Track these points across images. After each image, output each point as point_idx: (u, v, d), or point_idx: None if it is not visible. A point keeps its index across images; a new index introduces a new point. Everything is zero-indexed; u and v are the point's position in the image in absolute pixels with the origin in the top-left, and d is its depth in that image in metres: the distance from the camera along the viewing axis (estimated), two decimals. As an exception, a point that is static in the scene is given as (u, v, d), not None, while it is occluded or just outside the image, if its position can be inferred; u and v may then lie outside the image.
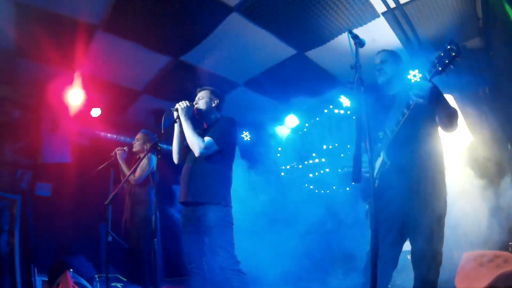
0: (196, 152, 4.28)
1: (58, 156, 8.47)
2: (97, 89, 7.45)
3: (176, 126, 4.54)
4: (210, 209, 4.24)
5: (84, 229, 8.22)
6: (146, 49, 6.45)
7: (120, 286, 6.51)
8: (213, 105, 4.68)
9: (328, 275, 7.13)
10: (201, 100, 4.65)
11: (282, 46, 6.42)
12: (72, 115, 7.71)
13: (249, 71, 7.27)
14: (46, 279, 6.63)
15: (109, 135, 8.55)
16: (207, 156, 4.31)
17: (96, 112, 8.00)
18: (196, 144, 4.28)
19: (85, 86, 7.34)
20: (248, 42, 6.28)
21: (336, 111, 8.06)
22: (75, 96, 7.39)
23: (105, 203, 3.94)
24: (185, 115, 4.38)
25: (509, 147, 5.12)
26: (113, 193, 3.94)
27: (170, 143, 4.72)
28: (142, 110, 8.52)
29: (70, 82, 7.24)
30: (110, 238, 5.86)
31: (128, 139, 8.14)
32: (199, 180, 4.33)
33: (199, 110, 4.58)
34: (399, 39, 6.07)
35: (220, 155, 4.39)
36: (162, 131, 4.30)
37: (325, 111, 8.22)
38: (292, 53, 6.63)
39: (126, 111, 8.57)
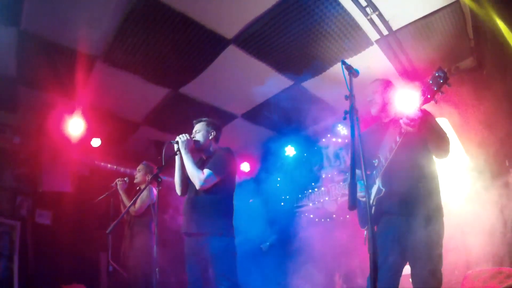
0: (197, 185, 4.41)
1: (58, 184, 8.55)
2: (97, 119, 7.54)
3: (177, 158, 4.67)
4: (213, 240, 4.35)
5: (84, 257, 8.24)
6: (145, 80, 6.59)
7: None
8: (210, 137, 4.82)
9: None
10: (198, 133, 4.79)
11: (279, 77, 6.56)
12: (73, 144, 7.79)
13: (246, 102, 7.40)
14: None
15: (109, 165, 8.60)
16: (208, 187, 4.41)
17: (96, 142, 8.12)
18: (196, 176, 4.41)
19: (85, 116, 7.44)
20: (245, 73, 6.43)
21: (334, 139, 8.14)
22: (75, 125, 7.49)
23: (107, 232, 4.00)
24: (185, 148, 4.50)
25: (506, 163, 5.17)
26: (115, 223, 4.02)
27: (170, 175, 4.82)
28: (142, 141, 8.63)
29: (70, 111, 7.36)
30: (110, 268, 5.92)
31: (128, 170, 8.19)
32: (201, 211, 4.46)
33: (197, 142, 4.71)
34: (393, 65, 6.21)
35: (220, 186, 4.51)
36: (163, 163, 4.38)
37: (323, 140, 8.30)
38: (289, 84, 6.77)
39: (125, 141, 8.69)
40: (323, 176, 8.28)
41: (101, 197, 6.61)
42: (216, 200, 4.49)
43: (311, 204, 8.40)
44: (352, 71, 3.33)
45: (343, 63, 3.34)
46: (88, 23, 5.47)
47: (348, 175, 4.52)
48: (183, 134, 4.58)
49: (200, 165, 4.56)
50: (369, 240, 3.63)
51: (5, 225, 9.39)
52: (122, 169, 8.48)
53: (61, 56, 6.03)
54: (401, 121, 3.54)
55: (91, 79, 6.58)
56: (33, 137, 8.43)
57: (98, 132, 7.97)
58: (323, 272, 7.41)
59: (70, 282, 7.44)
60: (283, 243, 8.20)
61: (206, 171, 4.41)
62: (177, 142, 4.54)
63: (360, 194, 3.95)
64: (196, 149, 4.73)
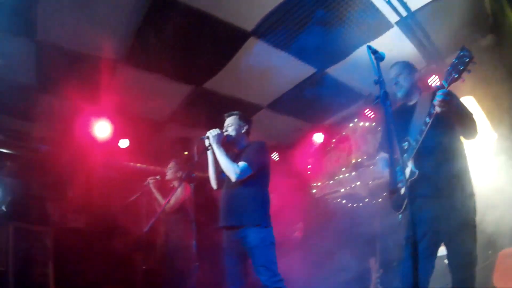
0: (232, 178, 4.47)
1: (88, 188, 8.67)
2: (123, 121, 7.67)
3: (209, 153, 4.74)
4: (251, 231, 4.42)
5: (118, 258, 8.38)
6: (168, 79, 6.68)
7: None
8: (243, 130, 4.89)
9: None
10: (230, 126, 4.85)
11: (302, 65, 6.59)
12: (100, 147, 7.91)
13: (271, 93, 7.44)
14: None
15: (138, 165, 8.71)
16: (243, 180, 4.47)
17: (124, 143, 8.24)
18: (231, 170, 4.47)
19: (111, 119, 7.59)
20: (268, 64, 6.43)
21: (361, 124, 8.14)
22: (102, 128, 7.64)
23: (144, 230, 4.10)
24: (216, 143, 4.56)
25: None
26: (152, 221, 4.13)
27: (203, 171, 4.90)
28: (169, 138, 8.71)
29: (95, 115, 7.51)
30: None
31: (157, 168, 8.27)
32: (238, 204, 4.53)
33: (229, 136, 4.78)
34: (415, 46, 6.19)
35: (256, 178, 4.57)
36: (196, 160, 4.45)
37: (351, 125, 8.30)
38: (312, 71, 6.79)
39: (153, 140, 8.75)
40: (353, 161, 8.29)
41: (134, 197, 6.74)
42: (253, 192, 4.55)
43: (342, 190, 8.42)
44: (378, 55, 3.33)
45: (369, 47, 3.35)
46: (106, 28, 5.58)
47: (377, 159, 4.52)
48: (214, 129, 4.64)
49: (234, 158, 4.60)
50: (408, 223, 3.72)
51: (38, 232, 9.62)
52: (151, 168, 8.59)
53: (81, 63, 6.15)
54: (434, 101, 3.54)
55: (114, 82, 6.69)
56: (59, 144, 8.57)
57: (125, 133, 8.10)
58: (358, 258, 7.43)
59: (106, 283, 7.57)
60: (316, 231, 8.23)
61: (241, 163, 4.48)
62: (208, 138, 4.60)
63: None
64: (228, 143, 4.79)
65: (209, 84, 6.91)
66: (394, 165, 3.16)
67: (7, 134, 8.91)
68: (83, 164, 8.45)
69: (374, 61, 3.33)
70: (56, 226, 9.26)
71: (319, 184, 8.92)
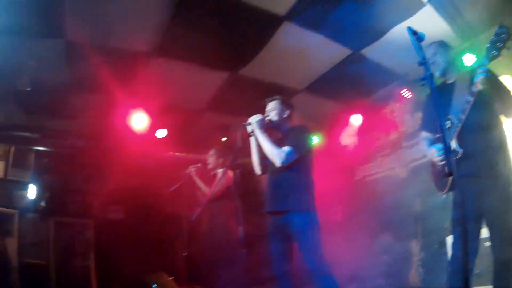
0: (277, 163, 4.46)
1: (128, 179, 8.81)
2: (159, 111, 7.75)
3: (252, 139, 4.74)
4: (297, 216, 4.42)
5: (160, 246, 8.56)
6: (203, 67, 6.75)
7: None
8: (285, 115, 4.85)
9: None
10: (272, 111, 4.81)
11: (337, 47, 6.56)
12: (138, 138, 8.01)
13: (308, 76, 7.44)
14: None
15: (177, 153, 8.78)
16: (288, 165, 4.46)
17: (162, 133, 8.33)
18: (276, 155, 4.46)
19: (148, 109, 7.69)
20: (303, 47, 6.42)
21: (398, 104, 8.08)
22: (138, 120, 7.74)
23: (192, 218, 4.18)
24: (259, 128, 4.57)
25: None
26: (200, 209, 4.19)
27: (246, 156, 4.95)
28: (207, 126, 8.77)
29: (132, 107, 7.63)
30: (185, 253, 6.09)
31: (197, 156, 8.32)
32: (283, 189, 4.53)
33: (271, 121, 4.76)
34: (449, 24, 6.10)
35: (300, 163, 4.55)
36: (240, 146, 4.48)
37: (388, 106, 8.25)
38: (347, 53, 6.76)
39: (191, 129, 8.87)
40: (391, 143, 8.24)
41: (176, 186, 6.79)
42: (297, 176, 4.54)
43: (381, 171, 8.38)
44: (418, 36, 3.31)
45: (409, 28, 3.31)
46: (137, 21, 5.67)
47: (420, 139, 4.49)
48: (256, 115, 4.63)
49: (277, 143, 4.57)
50: (453, 204, 3.71)
51: (78, 225, 9.87)
52: (191, 156, 8.67)
53: (114, 57, 6.27)
54: (476, 79, 3.51)
55: (149, 74, 6.79)
56: (97, 139, 8.74)
57: (162, 123, 8.20)
58: (399, 240, 7.41)
59: (149, 271, 7.70)
60: (356, 213, 8.22)
61: (286, 148, 4.45)
62: (250, 124, 4.60)
63: (437, 158, 3.98)
64: (270, 128, 4.78)
65: (245, 71, 6.95)
66: (448, 147, 3.16)
67: (43, 133, 9.15)
68: (121, 156, 8.59)
69: (415, 42, 3.29)
70: (96, 218, 9.50)
71: (358, 166, 8.89)
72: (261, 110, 4.88)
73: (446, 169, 3.41)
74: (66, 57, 6.29)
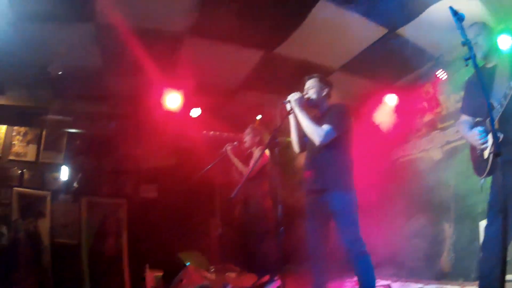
0: (316, 141, 4.44)
1: (161, 158, 8.88)
2: (194, 90, 7.79)
3: (291, 117, 4.72)
4: (335, 195, 4.42)
5: (193, 225, 8.66)
6: (238, 46, 6.76)
7: (234, 276, 6.74)
8: (324, 93, 4.83)
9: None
10: (311, 89, 4.79)
11: (372, 26, 6.49)
12: (172, 117, 8.06)
13: (343, 55, 7.37)
14: (161, 276, 6.94)
15: (211, 132, 8.80)
16: (327, 143, 4.44)
17: (196, 112, 8.35)
18: (315, 133, 4.45)
19: (182, 90, 7.79)
20: (339, 26, 6.38)
21: (433, 85, 7.99)
22: (173, 100, 7.83)
23: (231, 196, 4.19)
24: (298, 107, 4.54)
25: None
26: (238, 187, 4.20)
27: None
28: (242, 105, 8.80)
29: (166, 87, 7.72)
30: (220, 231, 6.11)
31: (232, 135, 8.37)
32: (322, 168, 4.53)
33: (310, 100, 4.75)
34: (484, 4, 5.93)
35: (340, 141, 4.53)
36: (279, 125, 4.49)
37: (422, 86, 8.16)
38: (383, 32, 6.68)
39: (226, 108, 8.90)
40: (426, 124, 8.17)
41: (211, 164, 6.81)
42: (336, 155, 4.54)
43: (416, 153, 8.32)
44: (459, 16, 3.26)
45: (451, 8, 3.26)
46: (171, 2, 5.71)
47: (459, 122, 4.43)
48: (295, 93, 4.61)
49: (316, 122, 4.55)
50: (491, 188, 3.66)
51: (111, 205, 10.02)
52: (225, 135, 8.71)
53: (147, 39, 6.27)
54: None
55: (183, 54, 6.86)
56: (130, 119, 8.81)
57: (197, 103, 8.26)
58: (432, 224, 7.37)
59: (182, 250, 7.76)
60: (391, 194, 8.17)
61: (325, 126, 4.44)
62: (289, 102, 4.58)
63: (478, 141, 3.93)
64: (309, 106, 4.75)
65: (280, 49, 6.92)
66: (494, 129, 3.11)
67: (75, 115, 9.28)
68: (155, 136, 8.65)
69: (457, 23, 3.24)
70: (129, 198, 9.61)
71: (393, 147, 8.83)
72: (296, 88, 4.86)
73: (494, 150, 3.37)
74: (97, 40, 6.39)
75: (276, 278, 5.90)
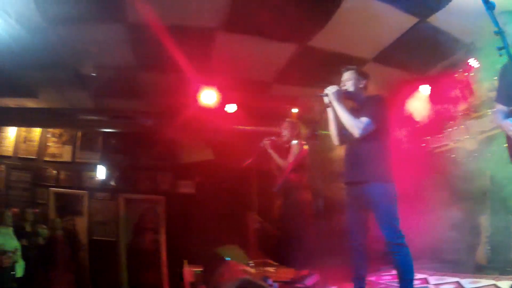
0: (355, 133, 4.47)
1: (198, 154, 8.97)
2: (228, 86, 7.85)
3: (329, 110, 4.74)
4: (375, 187, 4.44)
5: (231, 219, 8.72)
6: (271, 40, 6.78)
7: (273, 270, 6.77)
8: (361, 85, 4.85)
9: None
10: (349, 81, 4.82)
11: (404, 15, 6.46)
12: (208, 114, 8.10)
13: (375, 46, 7.34)
14: (200, 271, 7.02)
15: (247, 127, 8.83)
16: (365, 135, 4.46)
17: (231, 108, 8.41)
18: (354, 125, 4.47)
19: (217, 85, 7.82)
20: (370, 17, 6.36)
21: (466, 74, 7.90)
22: (208, 96, 7.88)
23: (274, 190, 4.24)
24: (336, 99, 4.56)
25: None
26: (281, 181, 4.24)
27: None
28: (277, 99, 8.80)
29: (200, 84, 7.78)
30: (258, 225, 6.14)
31: (267, 129, 8.31)
32: (361, 159, 4.56)
33: (348, 92, 4.76)
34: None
35: (378, 133, 4.53)
36: (318, 118, 4.53)
37: (456, 75, 8.08)
38: (414, 21, 6.65)
39: (261, 102, 8.90)
40: (460, 113, 8.09)
41: (250, 160, 6.82)
42: (375, 147, 4.55)
43: (450, 143, 8.24)
44: (490, 5, 3.24)
45: (483, -4, 3.26)
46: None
47: (494, 111, 4.40)
48: (332, 86, 4.63)
49: (354, 114, 4.56)
50: None
51: (149, 201, 10.21)
52: (262, 129, 8.73)
53: (180, 36, 6.36)
54: None
55: (216, 50, 6.91)
56: (166, 116, 8.92)
57: (231, 98, 8.31)
58: (467, 216, 7.30)
59: (220, 245, 7.81)
60: (427, 185, 8.11)
61: (364, 119, 4.46)
62: (327, 95, 4.60)
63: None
64: (347, 98, 4.76)
65: (314, 42, 6.92)
66: None
67: (110, 115, 9.46)
68: (192, 132, 8.74)
69: (490, 11, 3.24)
70: (167, 194, 9.76)
71: (427, 137, 8.77)
72: (330, 80, 4.87)
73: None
74: (129, 39, 6.51)
75: (314, 272, 5.92)
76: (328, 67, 5.14)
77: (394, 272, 4.53)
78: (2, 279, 6.81)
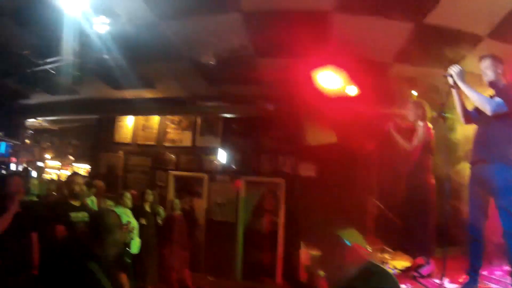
0: (488, 111, 4.38)
1: (321, 137, 9.02)
2: (347, 67, 7.74)
3: (454, 91, 4.69)
4: (500, 169, 4.31)
5: (351, 204, 8.62)
6: (387, 19, 6.60)
7: (388, 257, 6.69)
8: (499, 71, 4.68)
9: None
10: (488, 70, 4.68)
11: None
12: (329, 97, 8.06)
13: (490, 20, 6.65)
14: (317, 255, 7.06)
15: (369, 110, 8.72)
16: (496, 116, 4.35)
17: (352, 90, 8.27)
18: (486, 103, 4.40)
19: (336, 66, 7.70)
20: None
21: None
22: (327, 78, 7.81)
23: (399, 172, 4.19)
24: (461, 80, 4.50)
25: None
26: (406, 165, 4.19)
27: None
28: (396, 79, 8.53)
29: (319, 66, 7.69)
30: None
31: (389, 111, 8.26)
32: (489, 140, 4.48)
33: (490, 82, 4.66)
34: None
35: (510, 117, 4.38)
36: (444, 99, 4.51)
37: None
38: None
39: (381, 84, 8.70)
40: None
41: (377, 143, 6.76)
42: (505, 129, 4.40)
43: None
44: None
45: None
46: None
47: None
48: (455, 66, 4.57)
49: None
50: None
51: (270, 184, 10.44)
52: (383, 111, 8.62)
53: (295, 20, 6.41)
54: None
55: (333, 32, 6.86)
56: (287, 100, 9.03)
57: (351, 80, 8.13)
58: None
59: (338, 229, 7.81)
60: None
61: (498, 99, 4.36)
62: (451, 75, 4.55)
63: None
64: (490, 87, 4.66)
65: (429, 19, 6.59)
66: None
67: (231, 100, 9.74)
68: (314, 114, 8.78)
69: None
70: (287, 177, 9.93)
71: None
72: (448, 59, 4.76)
73: None
74: (243, 28, 6.63)
75: (429, 261, 5.79)
76: (444, 44, 4.93)
77: (507, 267, 4.35)
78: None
